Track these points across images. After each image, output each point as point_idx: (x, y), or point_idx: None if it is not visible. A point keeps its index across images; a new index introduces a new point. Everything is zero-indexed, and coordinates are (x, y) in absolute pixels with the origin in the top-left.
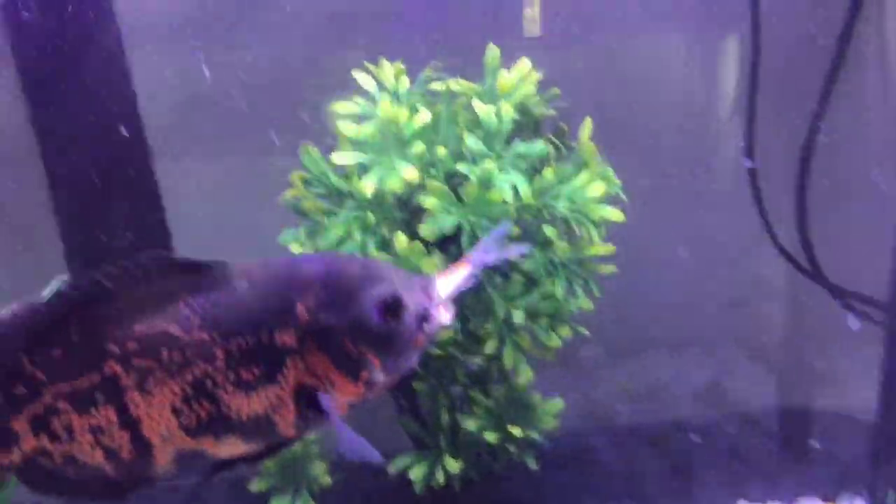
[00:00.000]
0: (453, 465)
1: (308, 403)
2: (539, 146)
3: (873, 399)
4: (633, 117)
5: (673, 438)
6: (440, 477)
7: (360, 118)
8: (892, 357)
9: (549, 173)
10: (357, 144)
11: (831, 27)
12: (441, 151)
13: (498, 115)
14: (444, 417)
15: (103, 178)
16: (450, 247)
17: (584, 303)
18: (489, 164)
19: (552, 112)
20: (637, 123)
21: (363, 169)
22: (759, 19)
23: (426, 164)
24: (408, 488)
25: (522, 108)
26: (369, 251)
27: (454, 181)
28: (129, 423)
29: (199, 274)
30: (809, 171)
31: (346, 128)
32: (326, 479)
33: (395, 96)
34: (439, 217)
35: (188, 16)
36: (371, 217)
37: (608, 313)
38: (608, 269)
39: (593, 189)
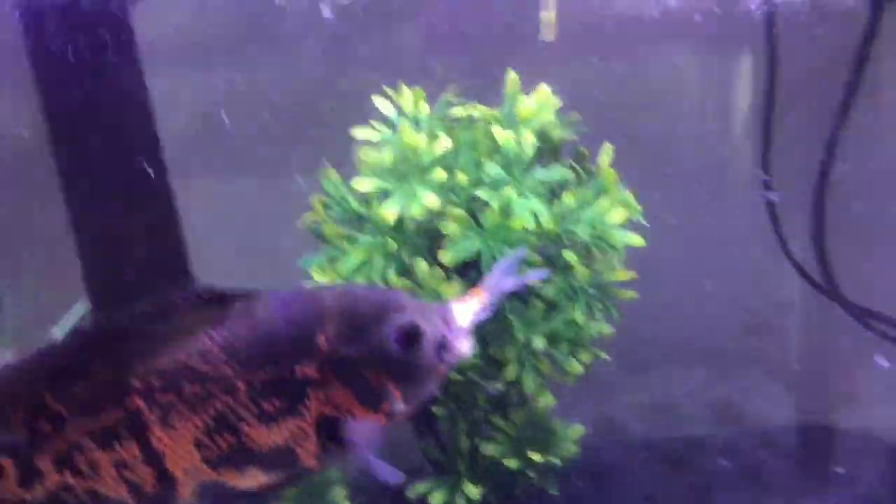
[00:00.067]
0: (473, 491)
1: (329, 434)
2: (559, 172)
3: None
4: (649, 136)
5: (691, 458)
6: (460, 502)
7: (379, 144)
8: None
9: (569, 198)
10: (377, 170)
11: (848, 46)
12: (461, 178)
13: (518, 141)
14: (464, 442)
15: (121, 197)
16: (470, 272)
17: (605, 328)
18: (509, 191)
19: (573, 137)
20: (651, 142)
21: (383, 195)
22: (775, 40)
23: (446, 190)
24: None
25: (542, 133)
26: (389, 277)
27: (473, 206)
28: (153, 458)
29: (219, 307)
30: (826, 190)
31: (367, 154)
32: None
33: (415, 122)
34: (460, 243)
35: (206, 37)
36: (392, 243)
37: (622, 330)
38: (629, 294)
39: (614, 215)
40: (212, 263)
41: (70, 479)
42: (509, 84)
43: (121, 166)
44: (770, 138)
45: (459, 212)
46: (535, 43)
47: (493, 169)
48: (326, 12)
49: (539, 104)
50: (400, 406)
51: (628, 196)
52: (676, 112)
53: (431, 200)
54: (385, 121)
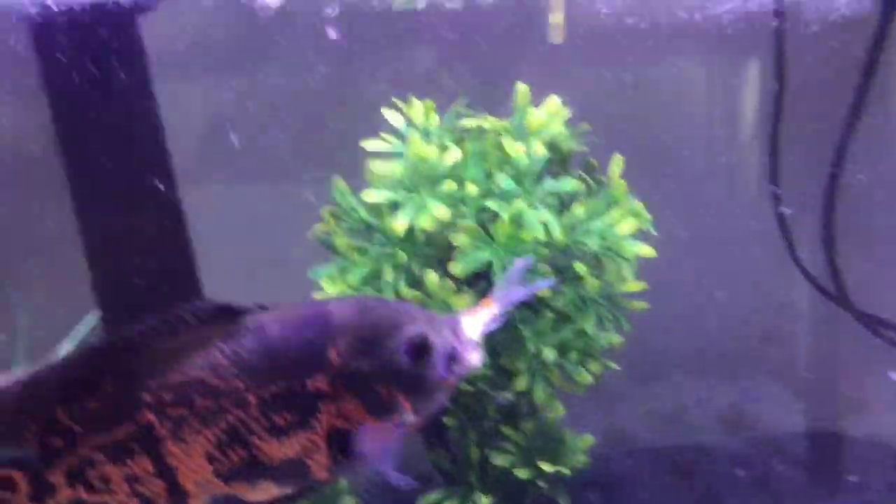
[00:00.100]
0: (484, 501)
1: (340, 447)
2: (569, 183)
3: None
4: (657, 144)
5: (701, 467)
6: None
7: (390, 155)
8: None
9: (579, 209)
10: (387, 182)
11: (856, 55)
12: (471, 189)
13: (528, 153)
14: (475, 453)
15: (130, 206)
16: (480, 283)
17: (615, 338)
18: (520, 203)
19: (582, 148)
20: (659, 151)
21: (394, 206)
22: (784, 48)
23: (456, 201)
24: None
25: (551, 144)
26: (400, 289)
27: (483, 217)
28: (165, 472)
29: (230, 321)
30: (836, 197)
31: (377, 165)
32: None
33: (425, 133)
34: (470, 254)
35: (214, 47)
36: (402, 255)
37: (631, 339)
38: (640, 305)
39: (624, 226)
40: (220, 272)
41: (82, 494)
42: (519, 96)
43: (129, 175)
44: (778, 148)
45: (470, 223)
46: (542, 53)
47: (503, 180)
48: (332, 34)
49: (549, 115)
50: (410, 418)
51: (638, 206)
52: (684, 121)
53: (442, 212)
54: (395, 132)
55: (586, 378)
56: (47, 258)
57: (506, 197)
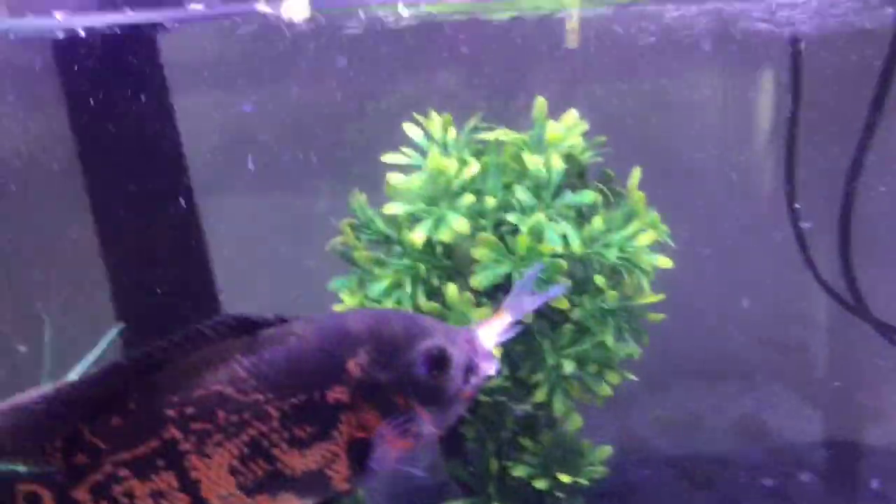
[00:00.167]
0: None
1: (360, 457)
2: (588, 196)
3: None
4: (674, 153)
5: (718, 476)
6: None
7: (408, 169)
8: None
9: (598, 222)
10: (407, 195)
11: (874, 67)
12: (490, 202)
13: (547, 166)
14: (493, 464)
15: (149, 218)
16: (499, 295)
17: (634, 349)
18: (539, 216)
19: (598, 159)
20: (676, 159)
21: (413, 219)
22: (801, 60)
23: (474, 214)
24: None
25: (568, 156)
26: (419, 301)
27: (501, 229)
28: (189, 486)
29: (250, 334)
30: (853, 206)
31: (396, 178)
32: None
33: (444, 147)
34: (490, 267)
35: (231, 60)
36: (421, 267)
37: (648, 347)
38: (658, 317)
39: (643, 238)
40: (237, 284)
41: None
42: (538, 109)
43: (149, 188)
44: (795, 159)
45: (489, 236)
46: (559, 64)
47: (522, 193)
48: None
49: (567, 128)
50: (429, 428)
51: (655, 217)
52: (700, 132)
53: (461, 225)
54: (413, 146)
55: (605, 390)
56: (68, 271)
57: (525, 210)
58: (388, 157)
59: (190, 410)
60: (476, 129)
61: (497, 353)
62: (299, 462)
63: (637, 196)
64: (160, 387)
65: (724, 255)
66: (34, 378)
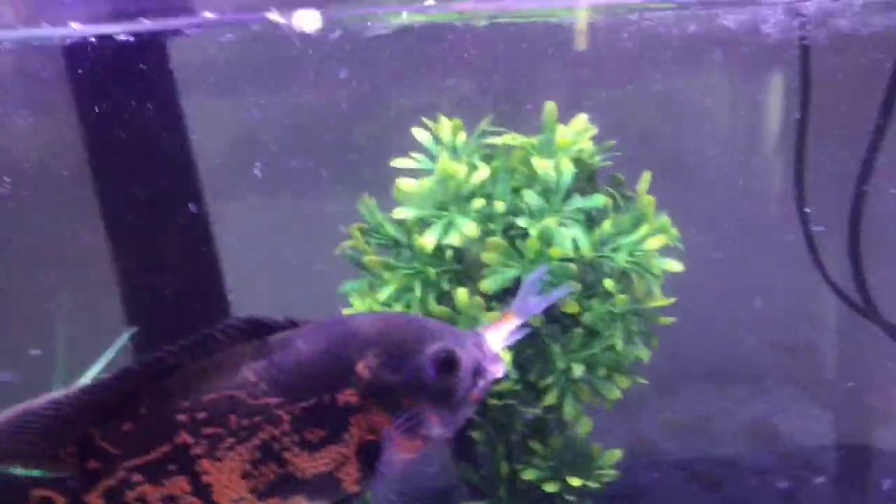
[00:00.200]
0: None
1: (369, 459)
2: (598, 200)
3: None
4: (683, 156)
5: (727, 479)
6: None
7: (418, 173)
8: None
9: (607, 225)
10: (416, 199)
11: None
12: (499, 206)
13: (557, 170)
14: (504, 467)
15: (159, 222)
16: (508, 298)
17: (643, 353)
18: (549, 220)
19: (608, 163)
20: (685, 162)
21: (423, 223)
22: (810, 63)
23: (484, 218)
24: None
25: (578, 160)
26: (429, 304)
27: (511, 233)
28: (201, 491)
29: (260, 337)
30: (863, 208)
31: (405, 183)
32: None
33: (453, 151)
34: (499, 271)
35: (241, 66)
36: (431, 272)
37: (657, 349)
38: (667, 320)
39: (653, 242)
40: (248, 288)
41: None
42: (547, 113)
43: (159, 193)
44: (804, 162)
45: (500, 241)
46: (568, 67)
47: (532, 197)
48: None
49: (576, 132)
50: (437, 431)
51: (665, 221)
52: (710, 135)
53: (471, 229)
54: (423, 150)
55: (615, 394)
56: (78, 276)
57: (534, 214)
58: (398, 162)
59: (201, 415)
60: (485, 134)
61: (506, 356)
62: (310, 465)
63: (646, 200)
64: (171, 391)
65: (734, 258)
66: (46, 382)
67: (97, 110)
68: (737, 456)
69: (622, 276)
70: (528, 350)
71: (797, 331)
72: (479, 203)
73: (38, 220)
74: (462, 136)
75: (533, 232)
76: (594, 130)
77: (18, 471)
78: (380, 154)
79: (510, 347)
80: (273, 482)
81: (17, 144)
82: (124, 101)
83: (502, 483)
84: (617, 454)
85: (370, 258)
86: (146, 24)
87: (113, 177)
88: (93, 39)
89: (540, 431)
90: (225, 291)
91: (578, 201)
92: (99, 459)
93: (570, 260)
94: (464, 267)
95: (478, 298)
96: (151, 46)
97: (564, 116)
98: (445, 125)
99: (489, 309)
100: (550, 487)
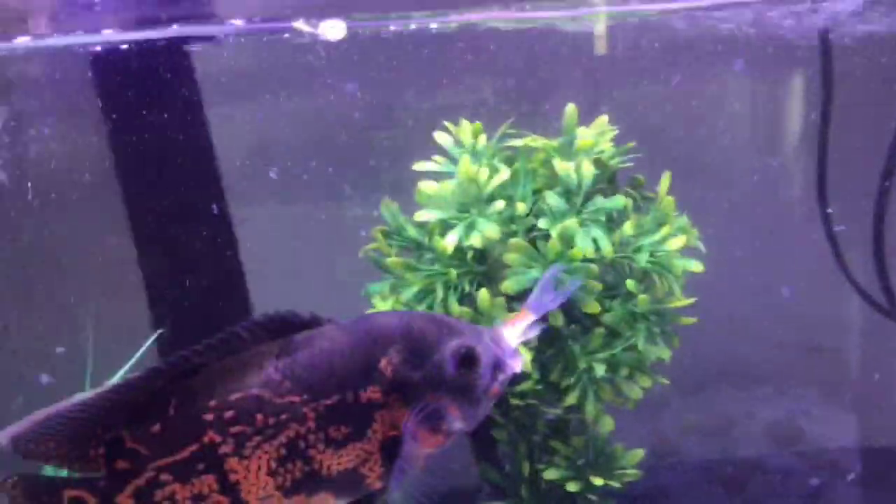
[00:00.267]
0: None
1: (392, 455)
2: (618, 201)
3: None
4: (704, 157)
5: (749, 480)
6: None
7: (439, 175)
8: None
9: (628, 227)
10: (438, 202)
11: None
12: (521, 208)
13: (578, 172)
14: (526, 467)
15: (184, 226)
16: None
17: (665, 353)
18: (570, 221)
19: (628, 165)
20: (706, 162)
21: (445, 225)
22: (832, 62)
23: (505, 220)
24: None
25: (598, 162)
26: (451, 305)
27: (532, 234)
28: (229, 489)
29: (284, 336)
30: (887, 210)
31: (427, 186)
32: None
33: (474, 154)
34: (521, 272)
35: (261, 69)
36: (453, 273)
37: (679, 350)
38: (689, 320)
39: (674, 243)
40: (270, 290)
41: None
42: (567, 115)
43: (183, 196)
44: (826, 162)
45: (521, 242)
46: (588, 69)
47: (553, 199)
48: None
49: (597, 134)
50: (458, 425)
51: (685, 222)
52: (731, 136)
53: (492, 231)
54: (444, 153)
55: (637, 393)
56: (105, 278)
57: (555, 215)
58: (420, 165)
59: (228, 414)
60: (506, 136)
61: (526, 355)
62: (335, 462)
63: (667, 201)
64: (198, 391)
65: (756, 259)
66: (75, 384)
67: (123, 116)
68: (760, 457)
69: (644, 277)
70: (549, 350)
71: (820, 331)
72: (500, 205)
73: (66, 225)
74: (483, 139)
75: (554, 233)
76: (614, 132)
77: (51, 472)
78: (401, 158)
79: (532, 348)
80: (299, 479)
81: (46, 150)
82: (150, 108)
83: (524, 482)
84: (639, 454)
85: (392, 260)
86: (173, 31)
87: (139, 182)
88: (124, 46)
89: (562, 431)
90: (248, 294)
91: (599, 202)
92: (128, 460)
93: (591, 261)
94: (485, 268)
95: (500, 299)
96: (177, 53)
97: (583, 118)
98: (466, 128)
99: (511, 310)
100: (572, 487)
